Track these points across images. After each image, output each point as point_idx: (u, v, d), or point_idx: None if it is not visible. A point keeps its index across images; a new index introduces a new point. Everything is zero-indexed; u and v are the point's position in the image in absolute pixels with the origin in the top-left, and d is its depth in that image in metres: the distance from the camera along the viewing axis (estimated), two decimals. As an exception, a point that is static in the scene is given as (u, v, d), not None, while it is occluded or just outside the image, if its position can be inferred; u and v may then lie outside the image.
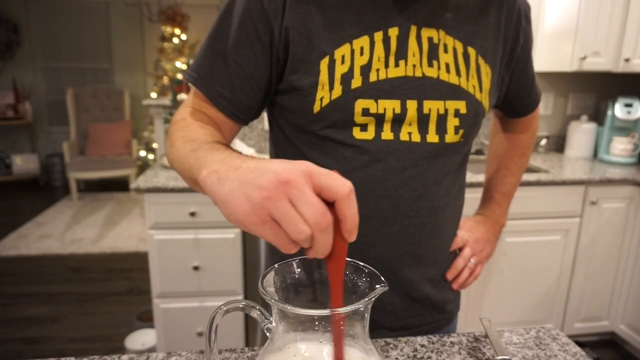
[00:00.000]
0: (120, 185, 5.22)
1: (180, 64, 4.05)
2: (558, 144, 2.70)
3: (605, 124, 2.44)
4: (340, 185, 0.37)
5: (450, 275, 0.82)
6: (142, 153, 5.10)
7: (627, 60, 2.19)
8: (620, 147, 2.35)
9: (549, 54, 2.33)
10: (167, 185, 1.78)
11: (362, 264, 0.46)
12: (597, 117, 2.68)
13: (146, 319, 2.28)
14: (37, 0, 5.18)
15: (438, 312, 0.81)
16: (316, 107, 0.66)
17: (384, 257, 0.72)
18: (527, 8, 0.78)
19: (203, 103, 0.70)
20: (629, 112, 2.35)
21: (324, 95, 0.65)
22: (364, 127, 0.67)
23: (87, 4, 5.27)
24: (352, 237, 0.39)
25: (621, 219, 2.16)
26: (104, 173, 4.81)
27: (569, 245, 2.14)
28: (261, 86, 0.69)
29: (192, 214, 1.83)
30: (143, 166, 5.15)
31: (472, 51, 0.70)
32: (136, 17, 5.37)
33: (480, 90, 0.72)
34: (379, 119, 0.66)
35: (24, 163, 5.24)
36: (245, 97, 0.69)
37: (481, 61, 0.71)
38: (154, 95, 4.54)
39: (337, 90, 0.65)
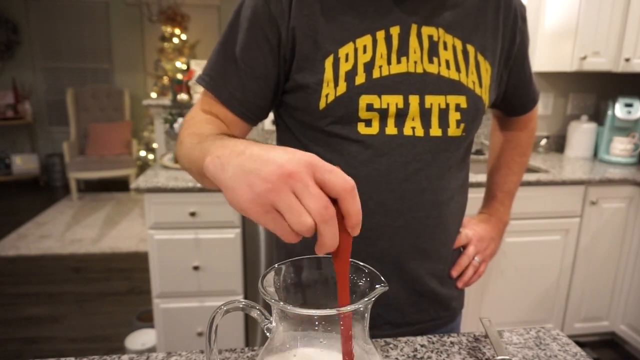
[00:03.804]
0: (120, 185, 5.21)
1: (180, 64, 4.04)
2: (558, 144, 2.70)
3: (605, 124, 2.44)
4: (342, 182, 0.37)
5: (455, 272, 0.83)
6: (142, 153, 5.10)
7: (627, 60, 2.19)
8: (620, 147, 2.35)
9: (549, 54, 2.33)
10: (167, 185, 1.78)
11: (362, 264, 0.46)
12: (597, 117, 2.68)
13: (146, 319, 2.28)
14: (37, 0, 5.18)
15: (443, 309, 0.82)
16: (322, 104, 0.68)
17: (390, 251, 0.73)
18: (523, 8, 0.81)
19: (214, 104, 0.73)
20: (629, 112, 2.35)
21: (329, 92, 0.67)
22: (368, 123, 0.69)
23: (87, 4, 5.27)
24: (356, 231, 0.39)
25: (621, 219, 2.16)
26: (104, 173, 4.81)
27: (569, 245, 2.13)
28: (270, 86, 0.71)
29: (192, 214, 1.83)
30: (143, 166, 5.15)
31: (471, 48, 0.72)
32: (136, 17, 5.37)
33: (480, 86, 0.73)
34: (383, 114, 0.68)
35: (24, 163, 5.24)
36: (256, 97, 0.71)
37: (480, 58, 0.73)
38: (154, 95, 4.54)
39: (342, 87, 0.67)
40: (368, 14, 0.68)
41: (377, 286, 0.42)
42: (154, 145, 4.43)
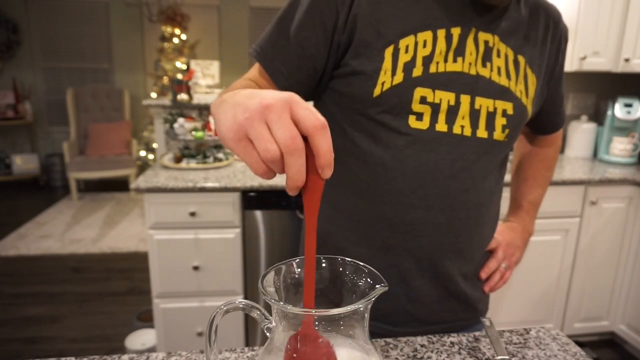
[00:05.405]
0: (120, 185, 5.21)
1: (180, 64, 4.05)
2: (558, 144, 2.69)
3: (605, 124, 2.44)
4: (314, 118, 0.38)
5: (483, 274, 0.84)
6: (142, 153, 5.10)
7: (626, 60, 2.19)
8: (620, 147, 2.35)
9: (549, 54, 2.33)
10: (167, 185, 1.78)
11: (362, 264, 0.46)
12: (597, 117, 2.68)
13: (146, 319, 2.28)
14: (37, 0, 5.18)
15: (470, 310, 0.83)
16: (377, 91, 0.69)
17: (427, 248, 0.74)
18: (567, 31, 0.83)
19: (260, 77, 0.73)
20: (628, 112, 2.35)
21: (386, 80, 0.68)
22: (419, 116, 0.70)
23: (87, 4, 5.27)
24: (325, 173, 0.40)
25: (621, 219, 2.16)
26: (104, 173, 4.81)
27: (569, 245, 2.13)
28: (318, 69, 0.72)
29: (192, 214, 1.83)
30: (143, 166, 5.14)
31: (521, 59, 0.75)
32: (136, 17, 5.37)
33: (527, 96, 0.76)
34: (435, 109, 0.69)
35: (24, 163, 5.24)
36: (302, 77, 0.72)
37: (529, 70, 0.76)
38: (154, 95, 4.54)
39: (399, 77, 0.68)
40: (433, 11, 0.69)
41: (377, 286, 0.42)
42: (154, 145, 4.43)
